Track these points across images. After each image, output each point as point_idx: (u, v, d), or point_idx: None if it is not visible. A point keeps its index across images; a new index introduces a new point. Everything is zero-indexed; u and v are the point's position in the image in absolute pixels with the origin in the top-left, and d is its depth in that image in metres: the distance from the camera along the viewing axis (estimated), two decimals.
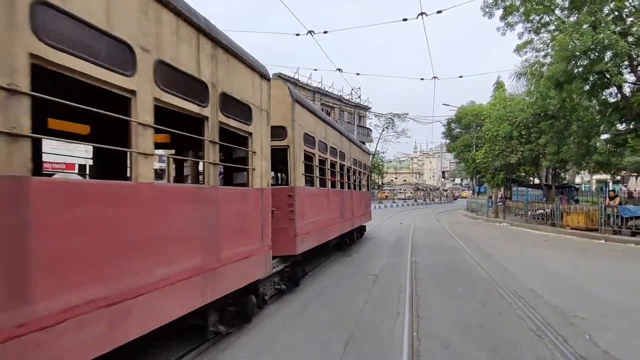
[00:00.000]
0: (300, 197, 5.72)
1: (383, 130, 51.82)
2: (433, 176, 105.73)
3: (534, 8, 13.02)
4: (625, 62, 12.28)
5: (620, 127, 15.39)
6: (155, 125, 2.59)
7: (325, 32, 11.97)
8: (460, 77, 26.20)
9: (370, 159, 21.08)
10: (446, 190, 67.39)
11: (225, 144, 3.57)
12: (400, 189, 61.40)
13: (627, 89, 13.57)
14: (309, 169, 6.46)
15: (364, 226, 12.23)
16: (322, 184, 7.28)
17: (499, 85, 24.94)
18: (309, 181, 6.53)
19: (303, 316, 4.51)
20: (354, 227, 9.91)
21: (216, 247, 3.32)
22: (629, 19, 11.94)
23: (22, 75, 1.76)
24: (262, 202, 4.28)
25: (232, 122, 3.64)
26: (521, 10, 13.39)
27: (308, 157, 6.36)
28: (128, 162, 2.72)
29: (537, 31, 13.98)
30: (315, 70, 34.93)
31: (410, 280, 6.27)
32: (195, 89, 3.10)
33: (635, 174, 26.42)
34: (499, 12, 14.01)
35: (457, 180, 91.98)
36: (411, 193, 58.97)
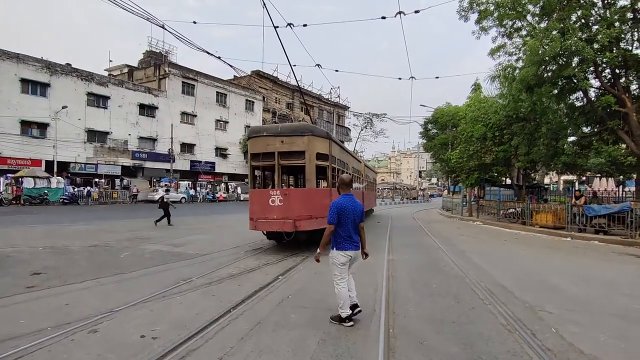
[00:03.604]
0: (366, 194, 18.09)
1: (362, 130, 52.31)
2: (410, 175, 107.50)
3: (507, 13, 13.42)
4: (591, 68, 12.86)
5: (586, 130, 16.13)
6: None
7: (304, 25, 11.85)
8: (437, 77, 26.83)
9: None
10: (423, 190, 68.64)
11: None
12: (379, 188, 62.16)
13: (592, 94, 14.21)
14: (370, 184, 21.52)
15: (373, 209, 24.69)
16: (369, 189, 20.72)
17: (477, 87, 25.53)
18: (367, 188, 19.19)
19: (277, 315, 4.47)
20: (371, 206, 22.75)
21: (366, 199, 17.88)
22: (595, 27, 12.51)
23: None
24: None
25: (366, 179, 19.36)
26: (495, 15, 13.77)
27: (364, 178, 18.11)
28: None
29: (510, 36, 14.41)
30: (295, 66, 34.78)
31: (386, 277, 6.34)
32: (359, 169, 16.21)
33: (599, 175, 27.73)
34: (474, 16, 14.37)
35: (434, 180, 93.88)
36: (389, 192, 59.69)
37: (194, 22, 11.92)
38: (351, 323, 4.07)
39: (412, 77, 18.69)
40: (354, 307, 4.16)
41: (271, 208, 8.52)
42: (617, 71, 13.11)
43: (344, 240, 4.06)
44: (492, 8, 13.70)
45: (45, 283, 5.81)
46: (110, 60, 48.25)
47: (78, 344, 3.61)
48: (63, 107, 29.83)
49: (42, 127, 29.99)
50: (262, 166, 9.42)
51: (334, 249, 4.10)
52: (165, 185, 34.94)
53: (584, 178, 33.57)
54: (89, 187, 30.55)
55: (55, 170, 29.72)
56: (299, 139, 8.75)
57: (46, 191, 27.11)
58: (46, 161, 30.07)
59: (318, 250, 4.11)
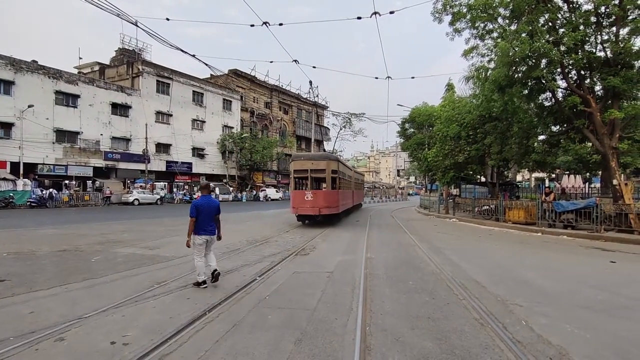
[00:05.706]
0: (356, 193, 24.61)
1: (341, 129, 52.54)
2: (389, 174, 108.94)
3: (479, 16, 13.73)
4: (558, 70, 13.36)
5: (554, 129, 16.78)
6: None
7: (280, 24, 11.79)
8: (413, 77, 27.29)
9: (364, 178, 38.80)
10: (402, 189, 69.66)
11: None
12: None
13: (559, 94, 14.76)
14: (358, 185, 27.09)
15: (361, 203, 31.63)
16: (358, 189, 26.41)
17: (450, 87, 26.10)
18: (356, 188, 24.85)
19: (254, 316, 4.42)
20: (359, 202, 29.14)
21: (354, 198, 23.35)
22: (561, 30, 13.00)
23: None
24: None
25: (356, 181, 24.68)
26: (467, 17, 14.07)
27: (354, 181, 23.31)
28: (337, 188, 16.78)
29: (482, 37, 14.75)
30: (272, 62, 34.65)
31: (364, 276, 6.39)
32: (350, 175, 21.02)
33: (568, 172, 28.94)
34: (448, 18, 14.65)
35: (412, 179, 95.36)
36: (368, 191, 60.18)
37: (167, 19, 11.65)
38: (205, 285, 5.57)
39: (388, 77, 19.02)
40: (214, 272, 5.70)
41: (306, 201, 14.11)
42: (583, 72, 13.68)
43: (201, 229, 5.62)
44: (464, 10, 13.99)
45: (8, 290, 5.52)
46: (80, 58, 46.29)
47: (43, 353, 3.45)
48: (29, 106, 28.48)
49: (7, 126, 28.53)
50: (300, 177, 15.57)
51: (194, 234, 5.64)
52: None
53: (553, 175, 34.93)
54: (51, 190, 29.00)
55: (21, 172, 28.35)
56: (322, 161, 14.99)
57: (11, 194, 25.81)
58: (11, 162, 28.64)
59: (187, 238, 5.71)
